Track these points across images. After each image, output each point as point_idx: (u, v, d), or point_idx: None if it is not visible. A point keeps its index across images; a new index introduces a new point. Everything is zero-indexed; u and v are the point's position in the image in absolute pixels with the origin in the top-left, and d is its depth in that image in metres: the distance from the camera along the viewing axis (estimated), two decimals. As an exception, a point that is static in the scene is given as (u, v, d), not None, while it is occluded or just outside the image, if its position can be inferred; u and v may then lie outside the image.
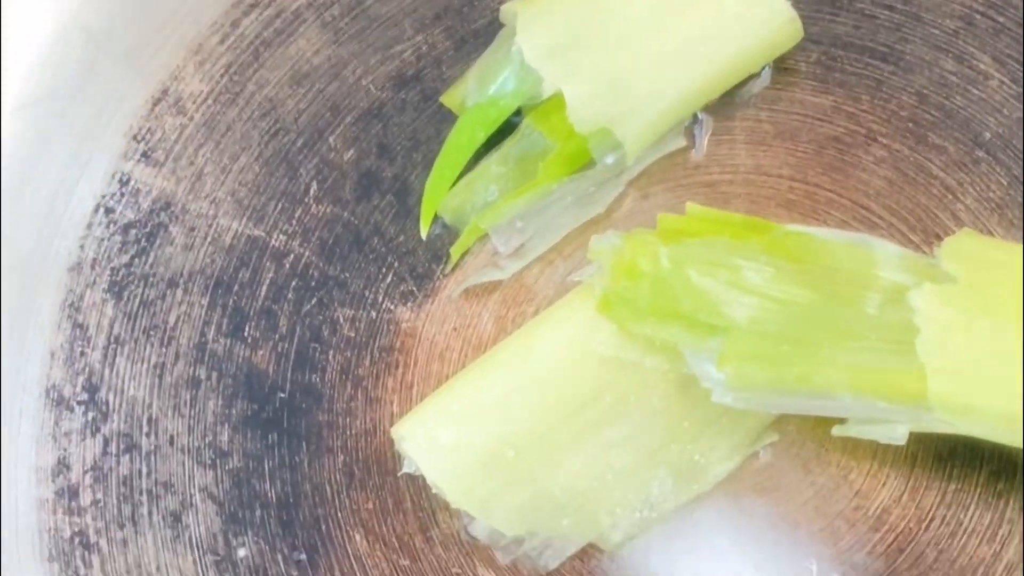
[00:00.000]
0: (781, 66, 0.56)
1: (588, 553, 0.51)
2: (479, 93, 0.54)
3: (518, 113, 0.55)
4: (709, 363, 0.49)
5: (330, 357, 0.54)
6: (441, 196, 0.54)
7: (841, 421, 0.49)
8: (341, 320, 0.55)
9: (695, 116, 0.55)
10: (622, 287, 0.49)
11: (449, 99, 0.56)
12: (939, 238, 0.53)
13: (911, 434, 0.46)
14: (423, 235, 0.54)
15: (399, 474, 0.52)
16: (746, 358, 0.48)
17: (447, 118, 0.56)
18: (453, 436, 0.50)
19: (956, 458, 0.51)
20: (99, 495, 0.52)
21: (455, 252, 0.55)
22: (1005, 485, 0.50)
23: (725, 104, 0.56)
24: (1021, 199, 0.53)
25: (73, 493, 0.52)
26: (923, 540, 0.50)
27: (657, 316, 0.49)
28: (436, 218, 0.55)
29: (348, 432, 0.53)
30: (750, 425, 0.51)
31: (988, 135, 0.54)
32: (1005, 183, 0.54)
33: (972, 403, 0.45)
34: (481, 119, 0.54)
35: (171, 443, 0.53)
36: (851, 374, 0.47)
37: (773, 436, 0.52)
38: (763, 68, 0.55)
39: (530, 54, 0.52)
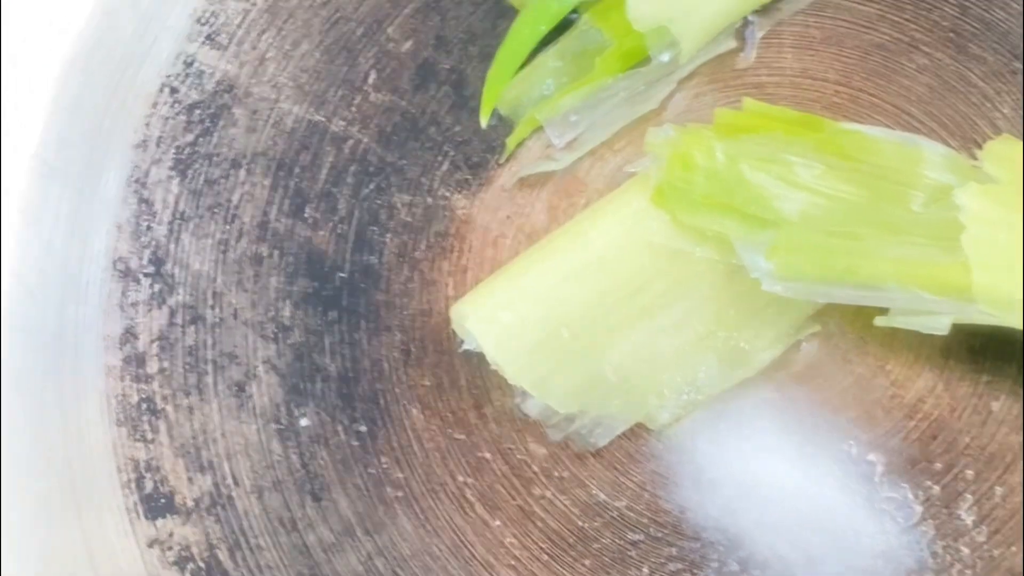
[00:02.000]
0: (833, -27, 0.57)
1: (636, 432, 0.53)
2: (542, -12, 0.55)
3: (574, 11, 0.57)
4: (759, 254, 0.51)
5: (388, 240, 0.56)
6: (502, 87, 0.56)
7: (883, 312, 0.51)
8: (398, 205, 0.56)
9: (746, 19, 0.57)
10: (676, 179, 0.51)
11: (510, -7, 0.57)
12: (977, 144, 0.55)
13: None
14: (483, 124, 0.56)
15: (459, 351, 0.54)
16: (796, 250, 0.50)
17: (504, 13, 0.58)
18: (513, 316, 0.52)
19: (988, 352, 0.53)
20: (165, 364, 0.54)
21: (511, 143, 0.57)
22: (1036, 377, 0.53)
23: (775, 8, 0.57)
24: (1055, 110, 0.55)
25: (140, 361, 0.54)
26: (955, 428, 0.53)
27: (710, 208, 0.51)
28: (492, 110, 0.56)
29: (405, 312, 0.55)
30: (794, 316, 0.54)
31: (1026, 47, 0.56)
32: (1041, 93, 0.56)
33: (1014, 295, 0.48)
34: (543, 13, 0.56)
35: (235, 316, 0.55)
36: (897, 266, 0.49)
37: (815, 327, 0.54)
38: (813, -26, 0.57)
39: (592, -48, 0.54)
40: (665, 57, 0.56)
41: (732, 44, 0.57)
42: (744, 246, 0.51)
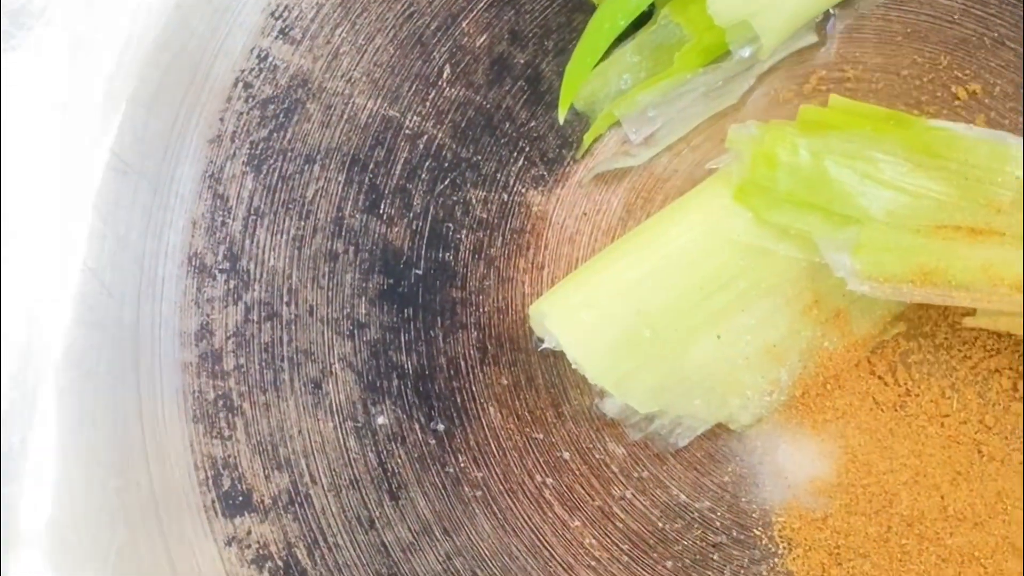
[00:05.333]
0: (913, -34, 0.56)
1: (716, 433, 0.53)
2: (621, -19, 0.55)
3: (653, 5, 0.56)
4: (843, 253, 0.50)
5: (463, 236, 0.56)
6: (581, 81, 0.55)
7: (970, 312, 0.50)
8: (473, 201, 0.56)
9: (827, 12, 0.56)
10: (759, 176, 0.51)
11: (588, -13, 0.57)
12: (1065, 141, 0.54)
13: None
14: (560, 119, 0.55)
15: (539, 351, 0.53)
16: (881, 248, 0.49)
17: (578, 7, 0.57)
18: (593, 315, 0.51)
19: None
20: (242, 360, 0.54)
21: (588, 138, 0.56)
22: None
23: (855, 2, 0.56)
24: None
25: (216, 357, 0.54)
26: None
27: (793, 205, 0.51)
28: (569, 105, 0.56)
29: (481, 309, 0.55)
30: (879, 314, 0.53)
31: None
32: None
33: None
34: (622, 7, 0.55)
35: (311, 313, 0.54)
36: (986, 266, 0.48)
37: (901, 326, 0.53)
38: (896, -32, 0.56)
39: (673, -55, 0.53)
40: (746, 52, 0.55)
41: (813, 39, 0.56)
42: (828, 244, 0.50)
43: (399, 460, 0.53)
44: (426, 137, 0.56)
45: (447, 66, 0.57)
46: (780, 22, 0.54)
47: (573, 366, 0.51)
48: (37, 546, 0.49)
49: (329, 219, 0.55)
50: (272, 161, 0.56)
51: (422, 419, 0.54)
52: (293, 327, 0.54)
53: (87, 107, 0.53)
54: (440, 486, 0.53)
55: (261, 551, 0.52)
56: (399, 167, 0.56)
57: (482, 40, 0.57)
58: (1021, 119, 0.55)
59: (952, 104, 0.55)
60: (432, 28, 0.57)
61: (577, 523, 0.52)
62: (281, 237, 0.55)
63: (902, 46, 0.56)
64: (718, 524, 0.52)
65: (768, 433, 0.52)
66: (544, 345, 0.52)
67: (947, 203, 0.49)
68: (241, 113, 0.56)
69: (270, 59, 0.57)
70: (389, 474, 0.53)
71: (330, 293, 0.55)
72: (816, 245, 0.51)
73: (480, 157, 0.56)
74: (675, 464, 0.53)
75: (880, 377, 0.53)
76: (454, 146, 0.56)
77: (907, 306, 0.53)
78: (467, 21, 0.57)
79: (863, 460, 0.52)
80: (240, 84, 0.56)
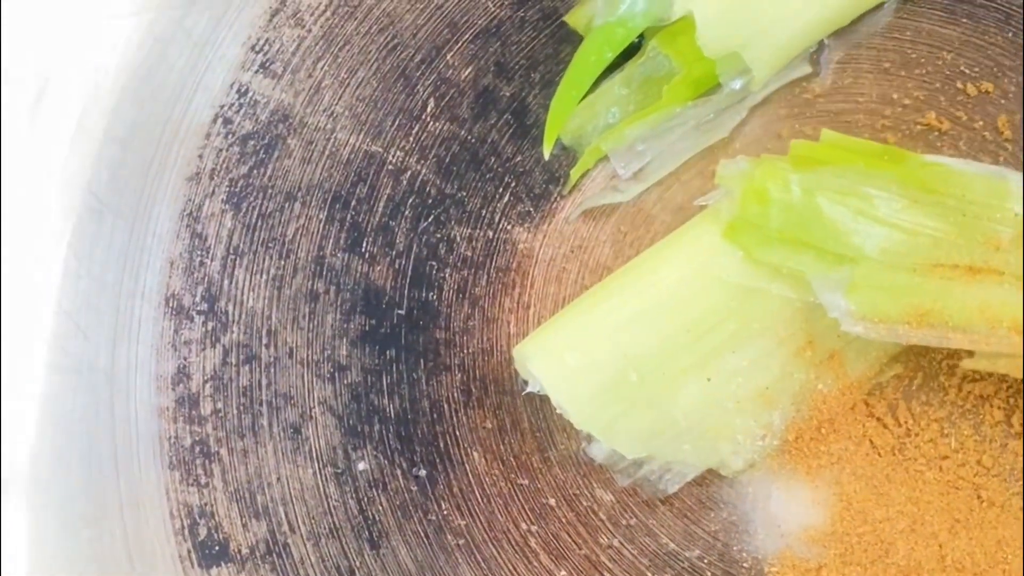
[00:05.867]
0: (909, -5, 0.55)
1: (707, 479, 0.51)
2: (607, 13, 0.53)
3: (641, 36, 0.54)
4: (837, 293, 0.49)
5: (447, 275, 0.54)
6: (567, 116, 0.54)
7: (969, 354, 0.49)
8: (458, 239, 0.54)
9: (821, 43, 0.55)
10: (750, 213, 0.49)
11: (574, 18, 0.55)
12: (1068, 176, 0.52)
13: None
14: (546, 155, 0.54)
15: (523, 394, 0.52)
16: (877, 288, 0.48)
17: (566, 38, 0.56)
18: (578, 358, 0.50)
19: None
20: (219, 405, 0.53)
21: (575, 173, 0.55)
22: None
23: (850, 32, 0.55)
24: None
25: (193, 402, 0.53)
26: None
27: (785, 244, 0.49)
28: (556, 139, 0.54)
29: (465, 351, 0.53)
30: (875, 356, 0.51)
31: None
32: None
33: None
34: (608, 39, 0.53)
35: (290, 355, 0.53)
36: (984, 306, 0.47)
37: (897, 368, 0.51)
38: (892, -4, 0.55)
39: (660, -25, 0.52)
40: (736, 84, 0.53)
41: (807, 69, 0.55)
42: (821, 284, 0.49)
43: (380, 507, 0.52)
44: (409, 173, 0.55)
45: (431, 100, 0.56)
46: (772, 53, 0.53)
47: (558, 411, 0.50)
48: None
49: (310, 258, 0.54)
50: (252, 199, 0.55)
51: (404, 465, 0.52)
52: (272, 370, 0.53)
53: (60, 146, 0.52)
54: (422, 534, 0.52)
55: (237, 603, 0.51)
56: (382, 204, 0.55)
57: (467, 73, 0.56)
58: (1022, 154, 0.53)
59: (952, 137, 0.54)
60: (416, 61, 0.56)
61: (563, 573, 0.51)
62: (260, 277, 0.54)
63: (899, 77, 0.55)
64: (709, 574, 0.51)
65: (760, 479, 0.51)
66: (529, 389, 0.51)
67: (944, 240, 0.48)
68: (220, 149, 0.55)
69: (250, 94, 0.55)
70: (370, 522, 0.52)
71: (310, 335, 0.53)
72: (809, 285, 0.49)
73: (465, 193, 0.55)
74: (664, 511, 0.52)
75: (878, 419, 0.51)
76: (438, 182, 0.55)
77: (904, 346, 0.51)
78: (452, 53, 0.56)
79: (859, 507, 0.50)
80: (220, 120, 0.55)
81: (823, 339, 0.51)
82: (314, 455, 0.52)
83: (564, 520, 0.52)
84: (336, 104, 0.56)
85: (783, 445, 0.51)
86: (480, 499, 0.52)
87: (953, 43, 0.55)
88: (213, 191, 0.55)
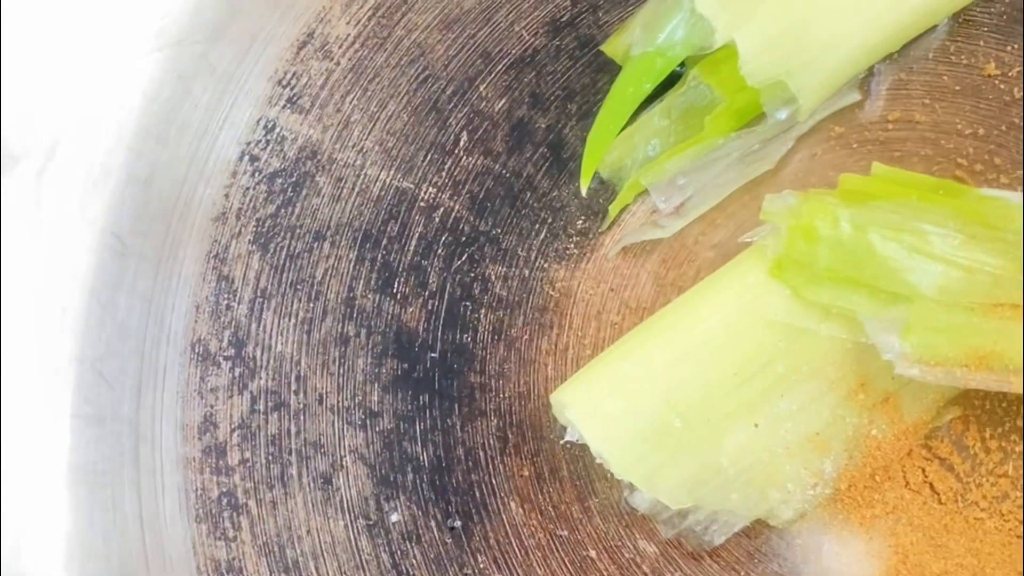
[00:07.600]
0: (962, 18, 0.52)
1: (756, 530, 0.49)
2: (646, 42, 0.51)
3: (681, 65, 0.52)
4: (891, 333, 0.46)
5: (482, 316, 0.52)
6: (604, 149, 0.52)
7: (1032, 398, 0.46)
8: (493, 278, 0.52)
9: (871, 69, 0.52)
10: (798, 250, 0.47)
11: (611, 47, 0.53)
12: None
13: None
14: (583, 190, 0.52)
15: (561, 443, 0.50)
16: (933, 328, 0.46)
17: (603, 67, 0.54)
18: (619, 404, 0.48)
19: None
20: (247, 454, 0.51)
21: (614, 209, 0.53)
22: None
23: (901, 56, 0.53)
24: None
25: (220, 452, 0.51)
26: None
27: (835, 282, 0.47)
28: (593, 173, 0.52)
29: (501, 395, 0.51)
30: (931, 399, 0.49)
31: None
32: None
33: None
34: (647, 69, 0.51)
35: (320, 402, 0.51)
36: (1048, 349, 0.44)
37: (955, 411, 0.49)
38: (944, 19, 0.52)
39: (701, 2, 0.49)
40: (782, 114, 0.51)
41: (856, 97, 0.53)
42: (874, 324, 0.47)
43: (414, 561, 0.50)
44: (442, 210, 0.53)
45: (464, 133, 0.54)
46: (819, 81, 0.50)
47: (598, 460, 0.48)
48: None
49: (340, 300, 0.52)
50: (279, 239, 0.53)
51: (439, 516, 0.50)
52: (301, 417, 0.51)
53: (84, 187, 0.50)
54: (458, 589, 0.50)
55: (267, 662, 0.49)
56: (413, 242, 0.53)
57: (501, 104, 0.54)
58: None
59: (1010, 166, 0.51)
60: (448, 93, 0.54)
61: (605, 629, 0.49)
62: (289, 320, 0.52)
63: (953, 103, 0.52)
64: (758, 630, 0.48)
65: (812, 530, 0.49)
66: (567, 437, 0.49)
67: (1004, 278, 0.46)
68: (247, 188, 0.53)
69: (278, 130, 0.54)
70: (403, 576, 0.50)
71: (341, 380, 0.52)
72: (861, 325, 0.47)
73: (499, 230, 0.53)
74: (711, 564, 0.49)
75: (935, 466, 0.48)
76: (472, 219, 0.53)
77: (962, 389, 0.48)
78: (485, 85, 0.54)
79: (916, 560, 0.48)
80: (246, 157, 0.54)
81: (876, 382, 0.48)
82: (345, 506, 0.51)
83: (606, 573, 0.50)
84: (366, 139, 0.54)
85: (835, 494, 0.49)
86: (518, 551, 0.50)
87: (1013, 67, 0.52)
88: (240, 231, 0.53)
